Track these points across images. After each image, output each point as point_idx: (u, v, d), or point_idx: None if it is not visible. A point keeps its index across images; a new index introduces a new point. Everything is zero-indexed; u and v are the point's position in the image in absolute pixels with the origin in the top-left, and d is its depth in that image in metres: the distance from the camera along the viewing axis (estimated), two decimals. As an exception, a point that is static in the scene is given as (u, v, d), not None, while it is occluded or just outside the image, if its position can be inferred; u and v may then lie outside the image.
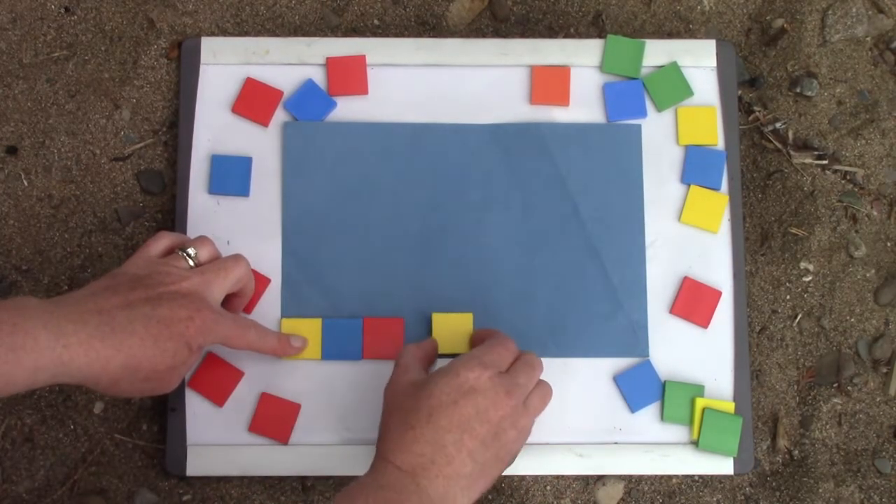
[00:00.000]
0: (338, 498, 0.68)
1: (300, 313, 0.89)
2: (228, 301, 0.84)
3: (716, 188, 0.92)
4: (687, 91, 0.94)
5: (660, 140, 0.93)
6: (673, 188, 0.92)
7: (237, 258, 0.82)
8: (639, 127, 0.93)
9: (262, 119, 0.92)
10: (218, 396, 0.88)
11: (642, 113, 0.93)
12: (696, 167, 0.92)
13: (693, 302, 0.90)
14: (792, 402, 0.93)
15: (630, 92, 0.93)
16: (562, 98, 0.93)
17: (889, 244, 0.96)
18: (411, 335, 0.89)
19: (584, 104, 0.93)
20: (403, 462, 0.70)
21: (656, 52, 0.94)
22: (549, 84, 0.93)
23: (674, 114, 0.93)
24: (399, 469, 0.70)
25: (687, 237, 0.92)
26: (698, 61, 0.94)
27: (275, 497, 0.89)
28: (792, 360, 0.93)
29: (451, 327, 0.89)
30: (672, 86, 0.93)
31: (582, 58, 0.94)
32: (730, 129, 0.93)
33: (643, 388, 0.89)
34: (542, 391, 0.79)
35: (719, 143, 0.93)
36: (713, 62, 0.95)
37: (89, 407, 0.90)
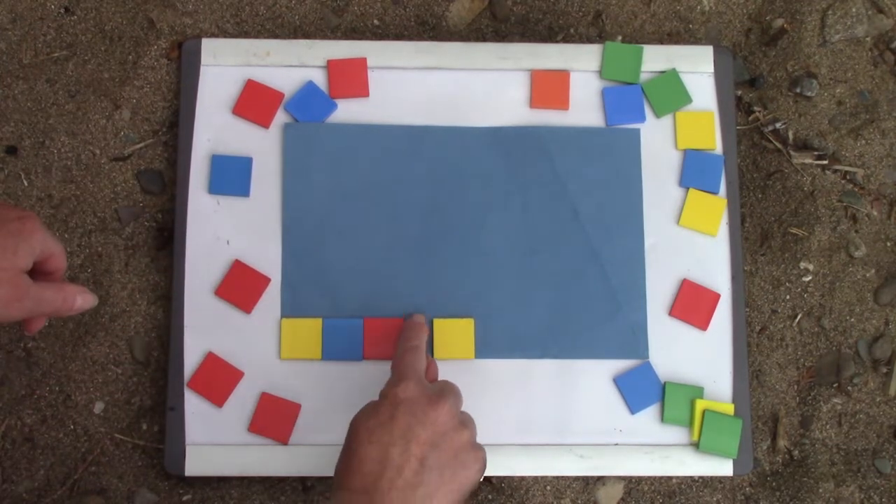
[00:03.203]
0: None
1: (300, 313, 0.89)
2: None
3: (714, 192, 0.92)
4: (685, 98, 0.94)
5: (658, 144, 0.93)
6: (672, 192, 0.92)
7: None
8: (637, 131, 0.93)
9: (263, 120, 0.92)
10: (217, 396, 0.88)
11: (641, 117, 0.93)
12: (694, 171, 0.92)
13: (692, 304, 0.90)
14: (792, 402, 0.93)
15: (629, 96, 0.93)
16: (561, 102, 0.93)
17: (889, 244, 0.96)
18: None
19: (583, 108, 0.93)
20: (353, 484, 0.69)
21: (654, 58, 0.95)
22: (548, 88, 0.93)
23: (672, 118, 0.93)
24: (351, 491, 0.69)
25: (686, 240, 0.92)
26: (696, 67, 0.95)
27: (275, 497, 0.89)
28: (792, 360, 0.93)
29: (452, 333, 0.89)
30: (671, 93, 0.94)
31: (581, 62, 0.94)
32: (727, 133, 0.93)
33: (643, 389, 0.89)
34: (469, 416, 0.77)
35: (717, 147, 0.93)
36: (710, 68, 0.95)
37: (89, 407, 0.90)
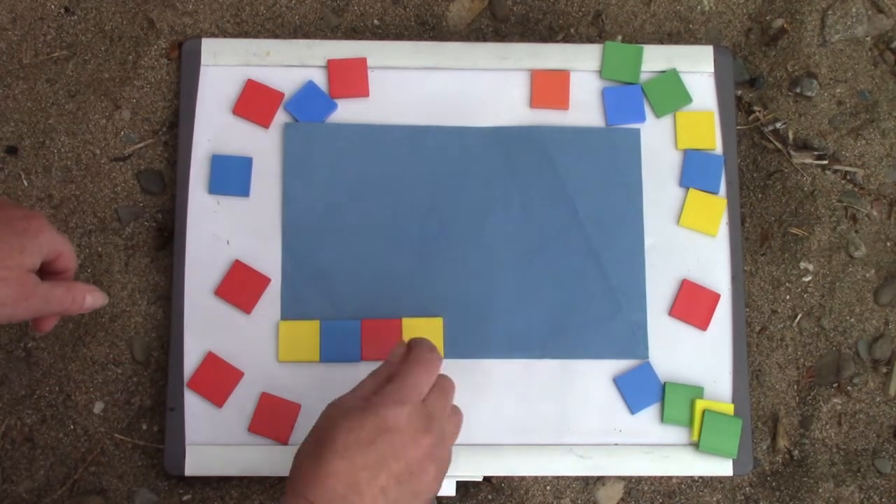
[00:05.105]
0: None
1: (300, 314, 0.89)
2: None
3: (714, 192, 0.92)
4: (685, 98, 0.94)
5: (659, 144, 0.93)
6: (672, 192, 0.92)
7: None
8: (637, 131, 0.93)
9: (263, 120, 0.92)
10: (217, 396, 0.88)
11: (641, 117, 0.93)
12: (694, 171, 0.92)
13: (692, 304, 0.90)
14: (792, 402, 0.93)
15: (629, 96, 0.93)
16: (561, 102, 0.93)
17: (889, 244, 0.96)
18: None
19: (583, 108, 0.93)
20: (316, 496, 0.66)
21: (655, 58, 0.94)
22: (548, 88, 0.93)
23: (672, 118, 0.93)
24: (309, 502, 0.66)
25: (686, 240, 0.92)
26: (696, 66, 0.94)
27: (275, 497, 0.89)
28: (792, 360, 0.93)
29: (421, 332, 0.88)
30: (671, 93, 0.94)
31: (581, 62, 0.94)
32: (727, 133, 0.93)
33: (643, 389, 0.89)
34: (456, 418, 0.75)
35: (717, 147, 0.93)
36: (711, 67, 0.95)
37: (89, 407, 0.90)
